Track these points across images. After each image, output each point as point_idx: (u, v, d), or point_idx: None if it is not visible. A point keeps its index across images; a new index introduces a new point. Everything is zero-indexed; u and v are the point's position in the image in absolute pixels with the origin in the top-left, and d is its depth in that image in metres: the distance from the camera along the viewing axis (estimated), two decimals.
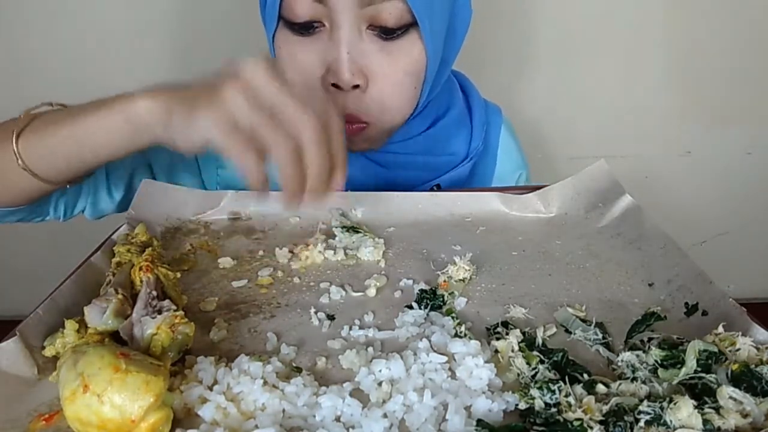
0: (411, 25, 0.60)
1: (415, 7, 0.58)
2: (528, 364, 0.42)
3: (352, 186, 0.67)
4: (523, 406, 0.39)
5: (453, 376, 0.42)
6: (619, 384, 0.39)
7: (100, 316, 0.43)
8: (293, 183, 0.46)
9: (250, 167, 0.44)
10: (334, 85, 0.61)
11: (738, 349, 0.40)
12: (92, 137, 0.50)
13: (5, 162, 0.52)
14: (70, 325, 0.42)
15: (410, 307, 0.50)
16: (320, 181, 0.47)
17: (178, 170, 0.73)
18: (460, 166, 0.76)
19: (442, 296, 0.50)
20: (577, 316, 0.48)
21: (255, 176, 0.45)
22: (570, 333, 0.47)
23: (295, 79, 0.48)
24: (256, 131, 0.44)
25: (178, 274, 0.50)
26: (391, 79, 0.62)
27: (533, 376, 0.41)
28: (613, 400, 0.37)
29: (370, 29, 0.60)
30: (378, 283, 0.53)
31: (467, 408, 0.39)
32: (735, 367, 0.38)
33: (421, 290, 0.51)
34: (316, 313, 0.49)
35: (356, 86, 0.61)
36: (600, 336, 0.45)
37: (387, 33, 0.60)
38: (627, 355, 0.42)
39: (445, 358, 0.42)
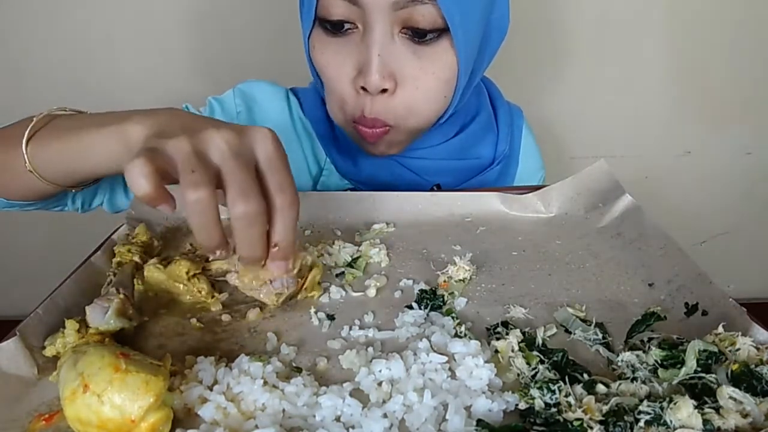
0: (444, 31, 0.60)
1: (447, 14, 0.58)
2: (528, 364, 0.42)
3: (379, 189, 0.68)
4: (523, 406, 0.39)
5: (453, 376, 0.42)
6: (619, 384, 0.39)
7: (101, 316, 0.43)
8: (204, 239, 0.42)
9: (138, 186, 0.40)
10: (363, 88, 0.62)
11: (738, 349, 0.40)
12: (86, 153, 0.50)
13: (16, 161, 0.53)
14: (71, 325, 0.42)
15: (410, 307, 0.50)
16: (242, 259, 0.45)
17: None
18: (488, 170, 0.77)
19: (442, 296, 0.50)
20: (577, 316, 0.48)
21: (143, 194, 0.40)
22: (570, 333, 0.47)
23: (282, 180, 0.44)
24: (179, 171, 0.41)
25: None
26: (420, 83, 0.62)
27: (533, 376, 0.41)
28: (613, 400, 0.37)
29: (403, 33, 0.60)
30: (378, 283, 0.53)
31: (467, 408, 0.39)
32: (735, 367, 0.38)
33: (421, 290, 0.51)
34: (316, 313, 0.49)
35: (384, 90, 0.62)
36: (600, 336, 0.45)
37: (419, 36, 0.60)
38: (627, 355, 0.42)
39: (445, 358, 0.42)
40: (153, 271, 0.50)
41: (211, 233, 0.42)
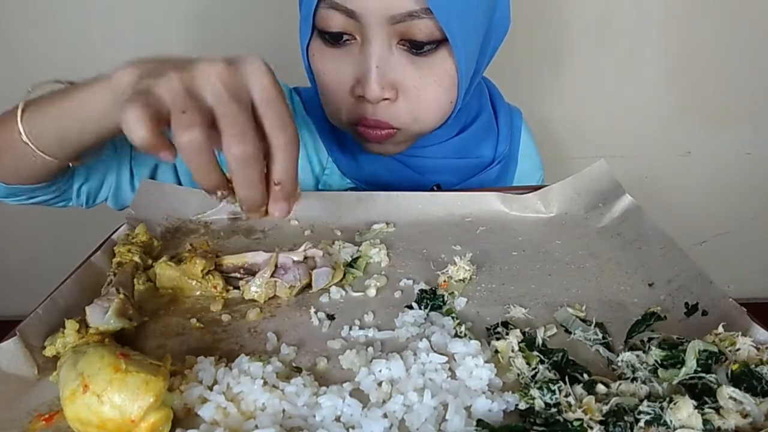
0: (442, 41, 0.60)
1: (446, 26, 0.57)
2: (528, 364, 0.42)
3: (381, 188, 0.68)
4: (523, 406, 0.39)
5: (453, 376, 0.42)
6: (619, 384, 0.39)
7: (102, 316, 0.43)
8: (202, 180, 0.42)
9: (134, 129, 0.39)
10: (362, 97, 0.62)
11: (738, 349, 0.40)
12: (79, 110, 0.50)
13: (12, 137, 0.53)
14: (71, 325, 0.42)
15: (410, 307, 0.50)
16: (243, 203, 0.44)
17: None
18: (489, 170, 0.77)
19: (442, 296, 0.50)
20: (577, 316, 0.48)
21: (141, 146, 0.40)
22: (570, 333, 0.47)
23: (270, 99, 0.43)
24: (171, 113, 0.40)
25: None
26: (421, 91, 0.63)
27: (533, 376, 0.41)
28: (613, 400, 0.37)
29: (401, 44, 0.60)
30: (378, 283, 0.53)
31: (467, 408, 0.39)
32: (735, 367, 0.38)
33: (421, 290, 0.51)
34: (316, 313, 0.49)
35: (385, 99, 0.62)
36: (600, 336, 0.45)
37: (417, 48, 0.60)
38: (627, 355, 0.42)
39: (445, 358, 0.42)
40: (165, 268, 0.51)
41: (209, 173, 0.42)
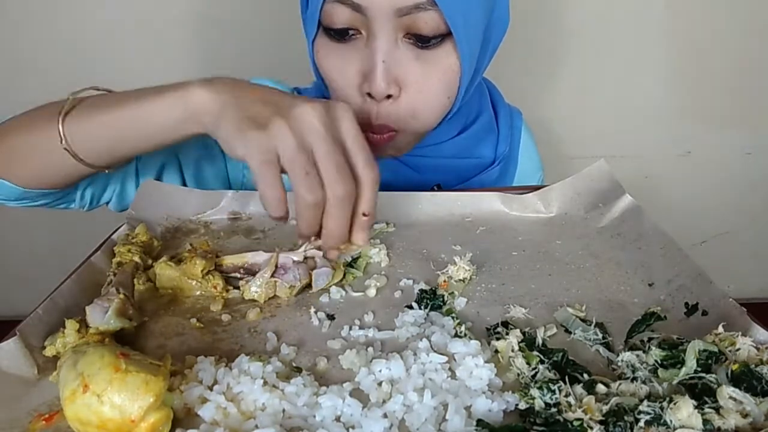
0: (446, 35, 0.60)
1: (450, 18, 0.58)
2: (528, 364, 0.42)
3: (381, 188, 0.68)
4: (523, 406, 0.39)
5: (453, 376, 0.42)
6: (619, 384, 0.39)
7: (102, 316, 0.43)
8: (307, 230, 0.47)
9: (272, 200, 0.45)
10: (368, 94, 0.62)
11: (738, 349, 0.40)
12: (141, 121, 0.51)
13: (48, 142, 0.53)
14: (71, 325, 0.42)
15: (410, 307, 0.50)
16: (331, 239, 0.48)
17: (205, 165, 0.74)
18: (489, 170, 0.78)
19: (442, 296, 0.50)
20: (577, 316, 0.48)
21: (275, 210, 0.46)
22: (570, 333, 0.47)
23: (356, 141, 0.48)
24: (289, 170, 0.45)
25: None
26: (424, 87, 0.63)
27: (533, 376, 0.41)
28: (613, 400, 0.37)
29: (406, 38, 0.60)
30: (378, 283, 0.53)
31: (467, 408, 0.39)
32: (735, 367, 0.38)
33: (421, 290, 0.51)
34: (316, 313, 0.49)
35: (389, 96, 0.62)
36: (600, 336, 0.45)
37: (423, 42, 0.60)
38: (627, 355, 0.42)
39: (445, 358, 0.43)
40: (165, 268, 0.51)
41: (316, 224, 0.47)
